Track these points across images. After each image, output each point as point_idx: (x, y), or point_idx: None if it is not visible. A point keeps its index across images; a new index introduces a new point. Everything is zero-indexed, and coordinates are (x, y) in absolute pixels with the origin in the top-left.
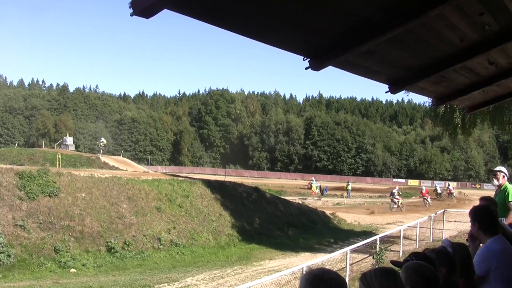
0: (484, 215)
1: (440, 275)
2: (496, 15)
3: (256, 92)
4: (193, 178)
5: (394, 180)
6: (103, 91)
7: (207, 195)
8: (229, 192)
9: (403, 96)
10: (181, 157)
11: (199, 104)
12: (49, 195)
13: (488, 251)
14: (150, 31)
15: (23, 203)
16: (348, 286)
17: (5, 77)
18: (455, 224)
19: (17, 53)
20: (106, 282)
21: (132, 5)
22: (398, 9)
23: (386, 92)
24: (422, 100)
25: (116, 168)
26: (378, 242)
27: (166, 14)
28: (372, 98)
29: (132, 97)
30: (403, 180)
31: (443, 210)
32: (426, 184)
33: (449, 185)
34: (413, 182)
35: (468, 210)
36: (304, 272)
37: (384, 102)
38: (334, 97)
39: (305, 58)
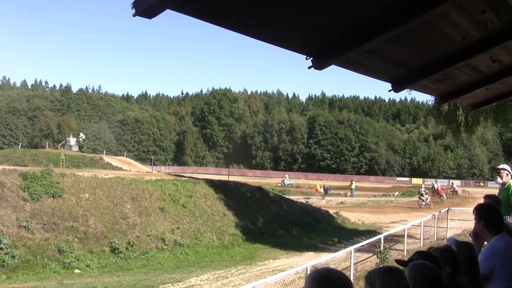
0: (490, 213)
1: (445, 273)
2: (498, 13)
3: (259, 92)
4: (197, 178)
5: (398, 178)
6: (106, 92)
7: (210, 195)
8: (233, 192)
9: (406, 94)
10: (184, 157)
11: (202, 104)
12: (53, 196)
13: (492, 250)
14: (153, 31)
15: (27, 204)
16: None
17: (8, 78)
18: (459, 223)
19: (20, 54)
20: (110, 282)
21: (134, 5)
22: (401, 7)
23: (389, 91)
24: (425, 98)
25: (120, 169)
26: (382, 241)
27: (168, 14)
28: (375, 97)
29: (135, 98)
30: (407, 179)
31: (447, 209)
32: (428, 183)
33: (453, 183)
34: (416, 181)
35: (472, 209)
36: (310, 272)
37: (387, 100)
38: (337, 96)
39: (307, 57)
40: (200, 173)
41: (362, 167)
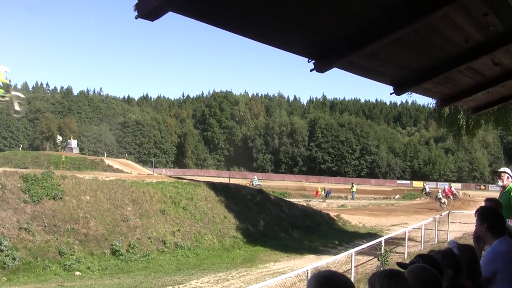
0: (493, 216)
1: (447, 276)
2: (500, 16)
3: (260, 94)
4: (197, 181)
5: (399, 181)
6: (107, 94)
7: (211, 198)
8: (234, 194)
9: (407, 97)
10: (185, 159)
11: (203, 106)
12: (54, 198)
13: (494, 253)
14: (154, 34)
15: (27, 206)
16: None
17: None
18: (460, 226)
19: (21, 56)
20: (110, 285)
21: (137, 7)
22: (403, 10)
23: (391, 94)
24: (426, 101)
25: (121, 171)
26: (383, 244)
27: (170, 17)
28: (376, 100)
29: (136, 100)
30: (408, 182)
31: (448, 212)
32: (430, 185)
33: (451, 186)
34: (417, 184)
35: (472, 212)
36: (312, 274)
37: (388, 103)
38: (338, 99)
39: (309, 60)
40: (201, 176)
41: (363, 170)
